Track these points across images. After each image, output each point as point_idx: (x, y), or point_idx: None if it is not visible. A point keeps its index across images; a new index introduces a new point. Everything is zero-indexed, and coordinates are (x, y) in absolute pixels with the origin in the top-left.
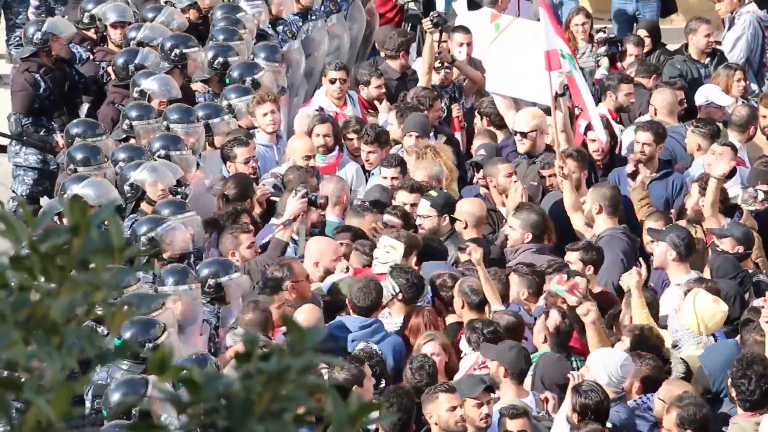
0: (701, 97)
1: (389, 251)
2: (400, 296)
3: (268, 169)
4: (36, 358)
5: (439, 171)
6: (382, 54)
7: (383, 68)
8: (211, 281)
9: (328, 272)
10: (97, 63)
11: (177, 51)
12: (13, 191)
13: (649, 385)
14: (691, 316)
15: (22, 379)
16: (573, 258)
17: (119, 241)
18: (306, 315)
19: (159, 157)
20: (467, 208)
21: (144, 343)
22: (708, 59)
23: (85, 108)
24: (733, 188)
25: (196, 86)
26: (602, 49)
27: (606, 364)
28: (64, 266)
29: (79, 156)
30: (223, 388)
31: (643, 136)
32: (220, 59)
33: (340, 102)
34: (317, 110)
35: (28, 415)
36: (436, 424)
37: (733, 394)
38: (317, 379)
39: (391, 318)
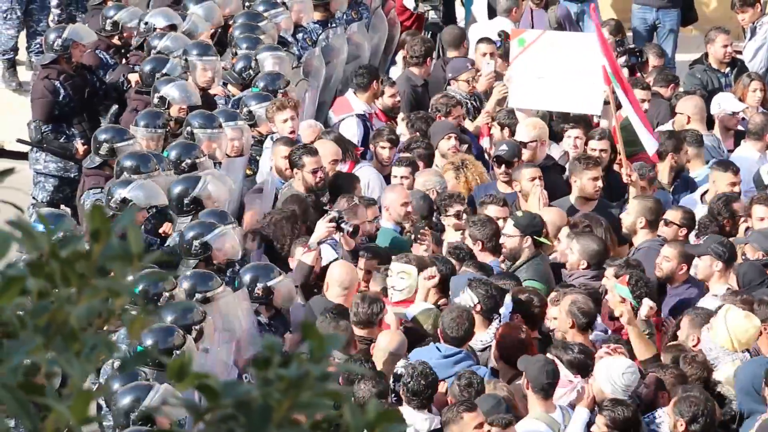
0: (715, 105)
1: (403, 277)
2: (478, 308)
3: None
4: (56, 364)
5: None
6: (400, 60)
7: (408, 75)
8: (196, 243)
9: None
10: (131, 66)
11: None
12: (34, 198)
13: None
14: (724, 333)
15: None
16: (610, 274)
17: (138, 247)
18: (388, 339)
19: (177, 164)
20: (549, 217)
21: (167, 351)
22: (728, 68)
23: (113, 110)
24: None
25: (216, 90)
26: (622, 59)
27: (609, 373)
28: (83, 273)
29: (128, 164)
30: (242, 395)
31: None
32: (251, 71)
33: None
34: (360, 115)
35: (47, 421)
36: None
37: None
38: (336, 386)
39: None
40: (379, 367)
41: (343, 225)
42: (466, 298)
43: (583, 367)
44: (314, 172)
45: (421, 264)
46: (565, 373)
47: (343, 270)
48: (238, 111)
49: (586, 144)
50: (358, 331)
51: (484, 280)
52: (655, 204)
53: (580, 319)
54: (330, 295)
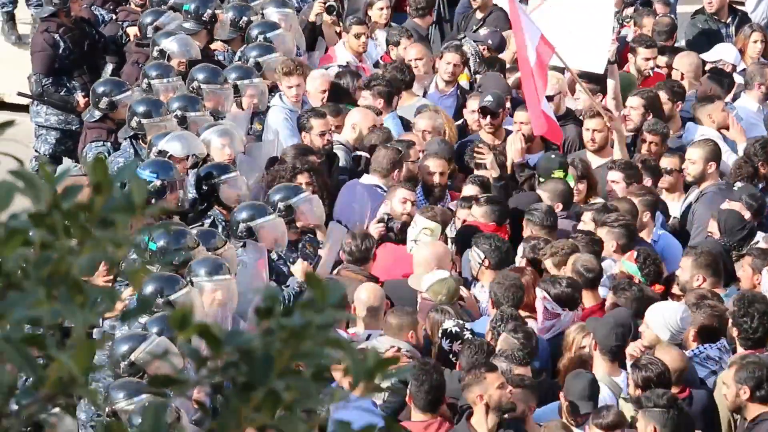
0: (714, 54)
1: (427, 234)
2: (486, 263)
3: (291, 132)
4: (59, 315)
5: (441, 123)
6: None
7: (410, 26)
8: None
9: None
10: (120, 23)
11: (209, 12)
12: (36, 151)
13: (706, 335)
14: None
15: (45, 337)
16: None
17: (141, 199)
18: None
19: (176, 117)
20: None
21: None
22: (729, 19)
23: (109, 69)
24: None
25: (216, 45)
26: (629, 11)
27: (666, 319)
28: (85, 224)
29: (140, 109)
30: (243, 343)
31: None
32: (245, 18)
33: (360, 56)
34: (343, 66)
35: (49, 370)
36: (486, 404)
37: (735, 333)
38: (337, 335)
39: (484, 289)
40: (360, 316)
41: (391, 224)
42: (474, 256)
43: (571, 300)
44: (322, 134)
45: (446, 219)
46: (552, 306)
47: (370, 292)
48: (252, 67)
49: None
50: (353, 269)
51: (486, 234)
52: (715, 146)
53: (584, 276)
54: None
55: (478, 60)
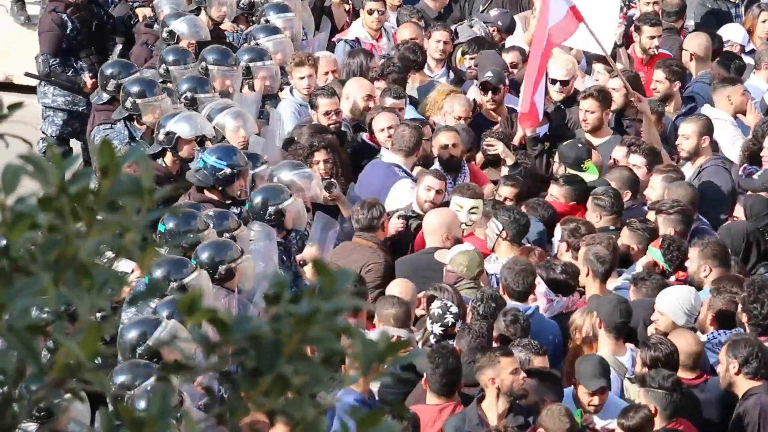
0: (722, 35)
1: (475, 212)
2: (504, 234)
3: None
4: (66, 299)
5: (469, 105)
6: None
7: (421, 7)
8: (271, 208)
9: (457, 241)
10: (130, 3)
11: None
12: (43, 132)
13: (724, 320)
14: None
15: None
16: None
17: (149, 183)
18: (400, 288)
19: (185, 99)
20: None
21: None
22: None
23: (117, 49)
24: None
25: (226, 26)
26: None
27: (680, 302)
28: (93, 208)
29: (135, 89)
30: (252, 329)
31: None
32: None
33: (376, 34)
34: (353, 41)
35: (57, 355)
36: (498, 387)
37: (744, 319)
38: (345, 322)
39: (498, 262)
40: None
41: (411, 220)
42: (492, 227)
43: (565, 287)
44: (327, 114)
45: (482, 194)
46: (545, 290)
47: (402, 287)
48: (264, 50)
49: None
50: (365, 236)
51: (506, 206)
52: (708, 120)
53: (595, 265)
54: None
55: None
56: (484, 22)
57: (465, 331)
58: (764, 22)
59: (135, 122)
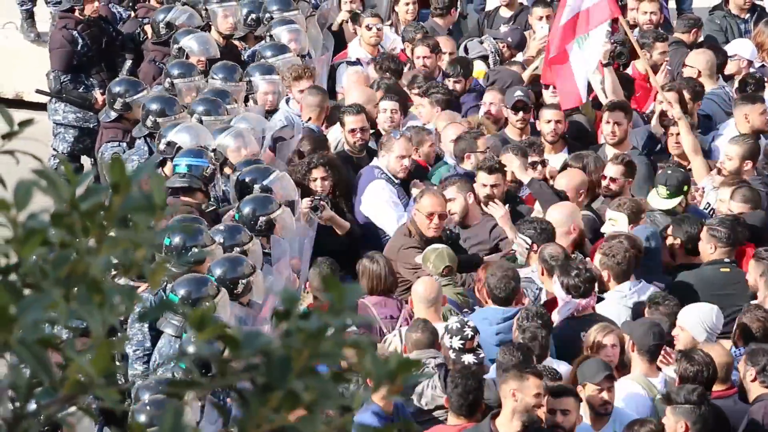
0: (730, 50)
1: (613, 224)
2: (535, 247)
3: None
4: (77, 315)
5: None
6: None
7: (430, 25)
8: (261, 219)
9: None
10: (140, 19)
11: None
12: (54, 149)
13: (750, 336)
14: None
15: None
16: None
17: (161, 198)
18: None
19: (199, 121)
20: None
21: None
22: (748, 14)
23: (127, 66)
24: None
25: (237, 36)
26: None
27: (702, 319)
28: (104, 224)
29: (154, 107)
30: (263, 345)
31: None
32: (253, 16)
33: (374, 51)
34: (354, 62)
35: (68, 372)
36: (516, 401)
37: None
38: (356, 337)
39: (536, 273)
40: (418, 313)
41: (449, 228)
42: (520, 242)
43: (582, 291)
44: (352, 131)
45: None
46: (557, 289)
47: (427, 285)
48: (272, 65)
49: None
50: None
51: (528, 218)
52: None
53: (548, 263)
54: (417, 312)
55: (498, 58)
56: (494, 38)
57: (506, 348)
58: None
59: (155, 139)
